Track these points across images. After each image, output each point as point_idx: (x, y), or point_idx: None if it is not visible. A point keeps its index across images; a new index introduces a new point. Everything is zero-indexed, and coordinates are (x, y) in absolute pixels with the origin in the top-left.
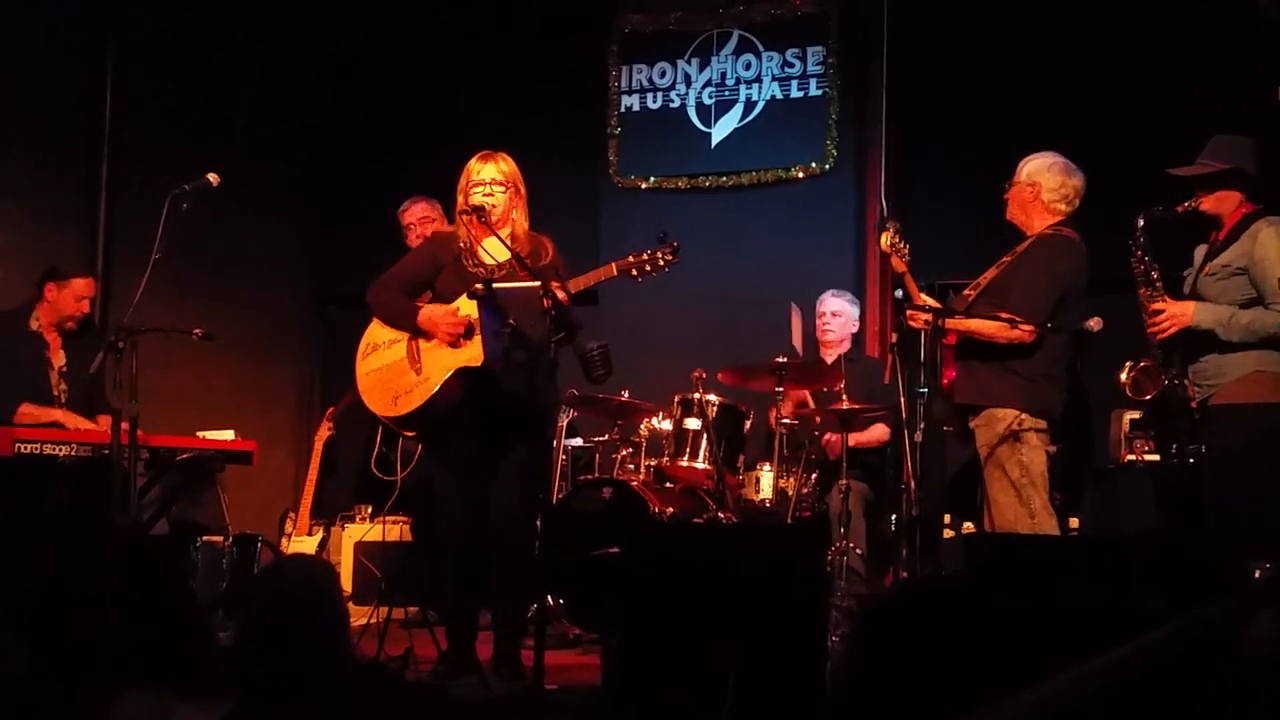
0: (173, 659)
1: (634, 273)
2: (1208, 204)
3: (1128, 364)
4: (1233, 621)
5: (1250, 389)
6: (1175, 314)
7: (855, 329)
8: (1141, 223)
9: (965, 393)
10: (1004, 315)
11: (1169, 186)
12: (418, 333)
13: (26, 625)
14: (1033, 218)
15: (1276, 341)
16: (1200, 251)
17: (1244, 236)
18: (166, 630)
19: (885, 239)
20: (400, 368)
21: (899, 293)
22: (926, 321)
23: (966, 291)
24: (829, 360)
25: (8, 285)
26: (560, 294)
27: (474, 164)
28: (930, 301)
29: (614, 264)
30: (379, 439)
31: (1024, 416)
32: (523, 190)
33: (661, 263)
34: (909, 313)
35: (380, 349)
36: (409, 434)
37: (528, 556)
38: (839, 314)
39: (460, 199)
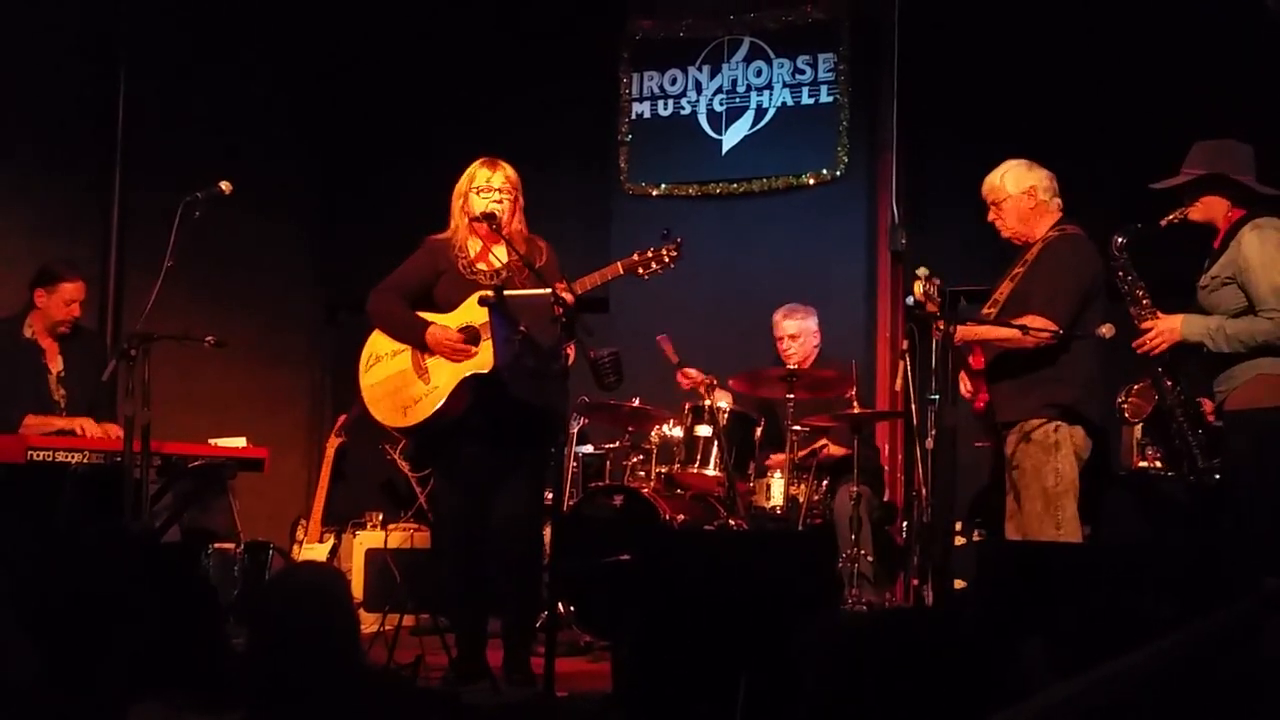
0: (185, 667)
1: (640, 270)
2: (1195, 214)
3: (1122, 392)
4: (1246, 627)
5: (1254, 394)
6: (1163, 330)
7: (817, 340)
8: (1120, 241)
9: (1002, 410)
10: (1016, 324)
11: (1160, 203)
12: (424, 348)
13: (40, 632)
14: (1034, 225)
15: (1273, 349)
16: None
17: (1231, 244)
18: (179, 638)
19: (918, 287)
20: (407, 377)
21: (910, 299)
22: (957, 339)
23: (985, 310)
24: None
25: (19, 292)
26: (566, 295)
27: (479, 170)
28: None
29: (619, 263)
30: (399, 450)
31: (1060, 424)
32: (521, 199)
33: (666, 259)
34: (937, 335)
35: (384, 359)
36: (418, 442)
37: (536, 564)
38: (796, 336)
39: (459, 202)
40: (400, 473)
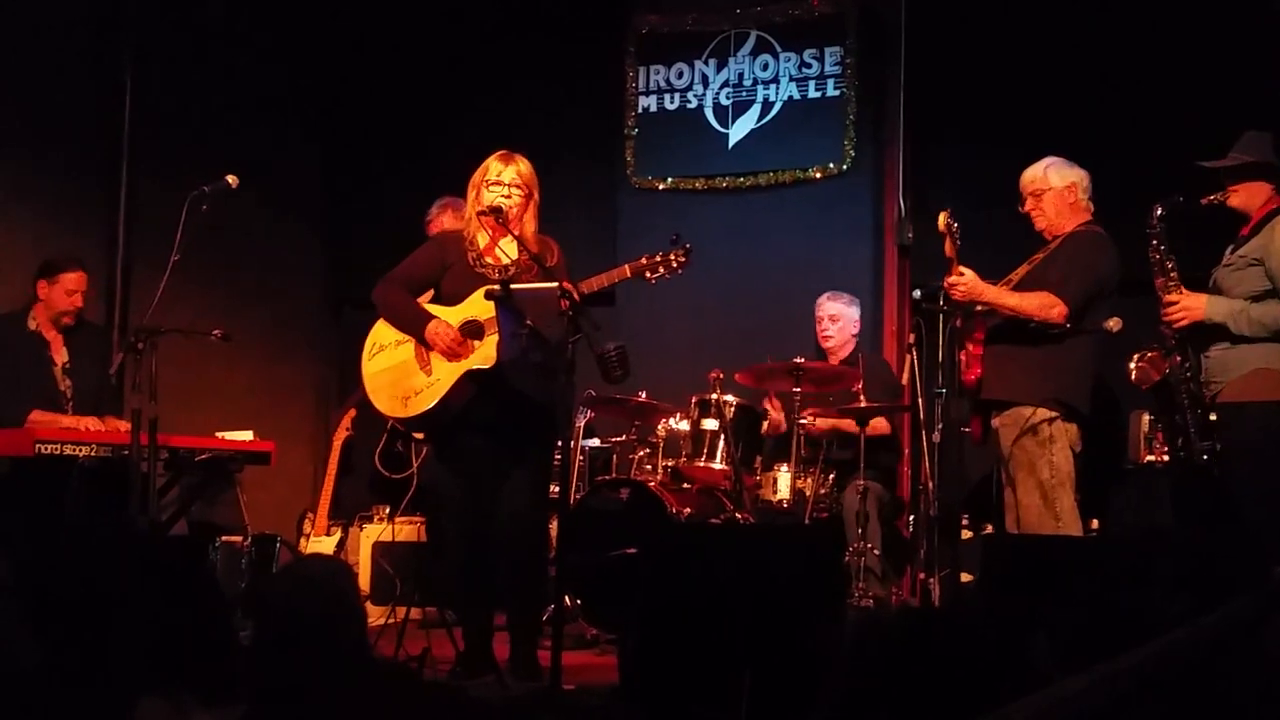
0: (193, 662)
1: (647, 274)
2: (1236, 199)
3: (1135, 354)
4: (1250, 624)
5: (1253, 386)
6: (1188, 306)
7: (856, 330)
8: (1159, 211)
9: (992, 388)
10: (1026, 309)
11: (1189, 185)
12: (424, 341)
13: (48, 627)
14: (1068, 220)
15: None
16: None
17: (1265, 229)
18: (187, 633)
19: (942, 219)
20: (409, 368)
21: (917, 293)
22: (963, 291)
23: (999, 286)
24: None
25: (26, 287)
26: (574, 294)
27: (494, 163)
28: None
29: (627, 265)
30: (385, 437)
31: (1055, 415)
32: (536, 195)
33: (675, 264)
34: (947, 282)
35: (388, 349)
36: (418, 436)
37: (542, 558)
38: (837, 318)
39: (472, 194)
40: (397, 460)
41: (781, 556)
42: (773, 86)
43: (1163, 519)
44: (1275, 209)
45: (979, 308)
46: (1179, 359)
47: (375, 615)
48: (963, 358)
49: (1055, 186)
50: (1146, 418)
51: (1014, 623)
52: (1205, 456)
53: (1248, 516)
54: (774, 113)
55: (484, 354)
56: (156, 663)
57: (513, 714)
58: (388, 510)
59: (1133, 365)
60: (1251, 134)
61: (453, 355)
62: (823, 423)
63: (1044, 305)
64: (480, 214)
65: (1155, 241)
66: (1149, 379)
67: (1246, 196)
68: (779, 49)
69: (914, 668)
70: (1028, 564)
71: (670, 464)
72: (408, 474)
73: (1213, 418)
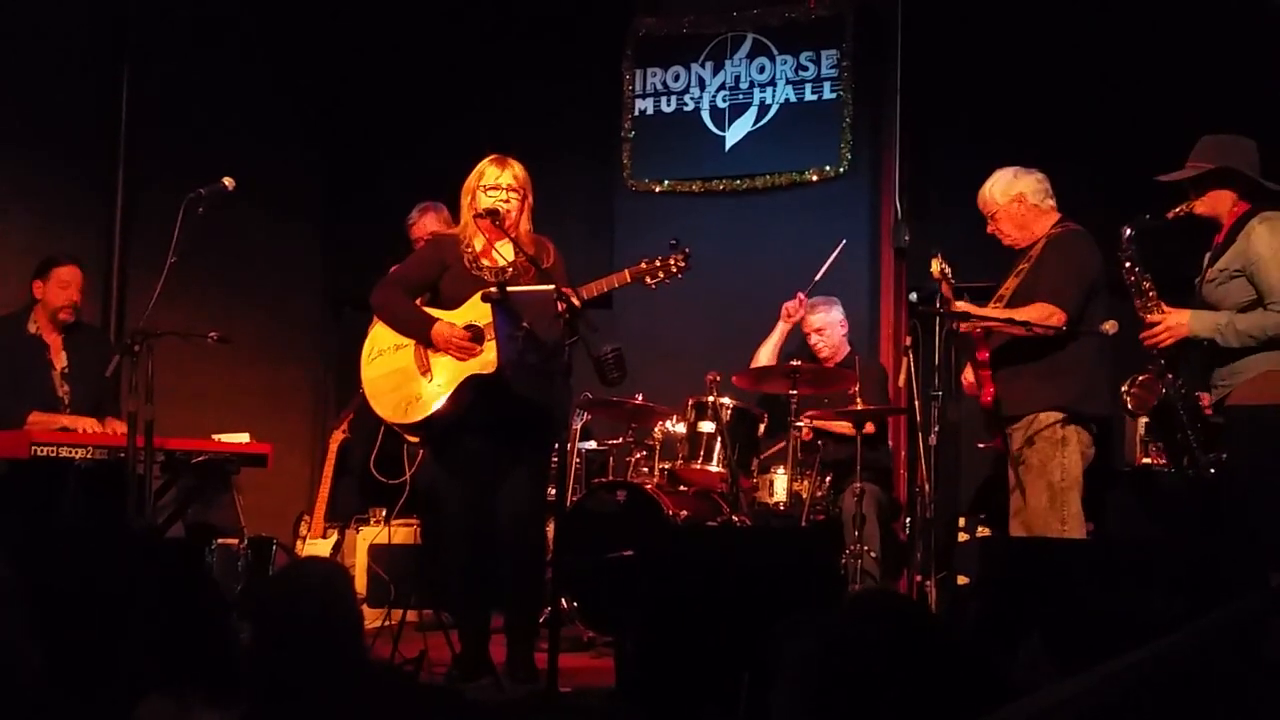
0: (195, 662)
1: (647, 280)
2: (1201, 207)
3: (1125, 384)
4: (1250, 626)
5: (1263, 390)
6: (1171, 325)
7: (845, 329)
8: (1128, 233)
9: (1011, 404)
10: (1021, 318)
11: (1175, 189)
12: (429, 344)
13: (50, 629)
14: (1032, 228)
15: None
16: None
17: (1239, 237)
18: (189, 634)
19: (935, 266)
20: (409, 373)
21: (913, 296)
22: (965, 329)
23: (991, 305)
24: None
25: (24, 288)
26: (573, 300)
27: (488, 168)
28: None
29: (627, 271)
30: (380, 439)
31: (1066, 418)
32: (530, 197)
33: (674, 269)
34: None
35: (386, 353)
36: (415, 439)
37: (539, 560)
38: (823, 328)
39: (467, 199)
40: (390, 462)
41: (778, 559)
42: (769, 89)
43: (1158, 522)
44: (1243, 214)
45: (978, 331)
46: (1170, 377)
47: (371, 618)
48: (969, 378)
49: (1001, 203)
50: (1142, 421)
51: (1007, 623)
52: (1213, 470)
53: (1250, 520)
54: (770, 115)
55: (485, 359)
56: (160, 662)
57: (509, 716)
58: (384, 513)
59: (1126, 394)
60: (1206, 139)
61: (463, 355)
62: (815, 424)
63: (1042, 316)
64: (477, 217)
65: (1129, 264)
66: (1147, 405)
67: (1212, 204)
68: (775, 52)
69: (906, 670)
70: (1025, 566)
71: (667, 466)
72: (402, 480)
73: (1219, 420)
